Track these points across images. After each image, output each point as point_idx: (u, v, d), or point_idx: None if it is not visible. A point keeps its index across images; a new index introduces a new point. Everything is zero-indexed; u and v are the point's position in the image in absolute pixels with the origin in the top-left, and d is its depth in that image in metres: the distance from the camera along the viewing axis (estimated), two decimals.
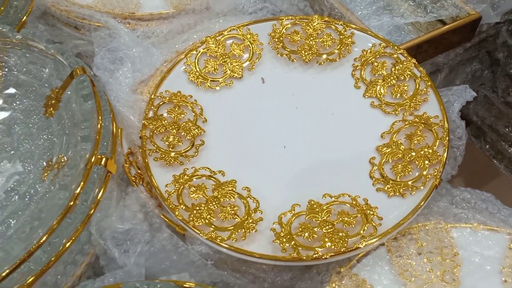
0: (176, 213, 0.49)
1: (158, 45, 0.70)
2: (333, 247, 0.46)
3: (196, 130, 0.58)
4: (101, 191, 0.45)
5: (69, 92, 0.52)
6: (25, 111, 0.53)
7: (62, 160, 0.47)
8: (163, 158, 0.55)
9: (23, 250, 0.39)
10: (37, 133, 0.51)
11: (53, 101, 0.51)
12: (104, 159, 0.45)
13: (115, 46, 0.66)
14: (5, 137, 0.51)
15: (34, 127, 0.51)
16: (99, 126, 0.46)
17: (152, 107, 0.59)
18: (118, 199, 0.49)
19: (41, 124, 0.52)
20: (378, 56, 0.62)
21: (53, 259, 0.40)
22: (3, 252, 0.38)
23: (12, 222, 0.45)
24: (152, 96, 0.60)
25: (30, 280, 0.40)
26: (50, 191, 0.45)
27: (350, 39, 0.64)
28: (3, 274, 0.39)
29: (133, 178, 0.54)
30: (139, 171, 0.55)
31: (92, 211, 0.43)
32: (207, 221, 0.49)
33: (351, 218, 0.49)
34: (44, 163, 0.48)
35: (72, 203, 0.41)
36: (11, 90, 0.55)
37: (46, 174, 0.47)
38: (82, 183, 0.42)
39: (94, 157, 0.44)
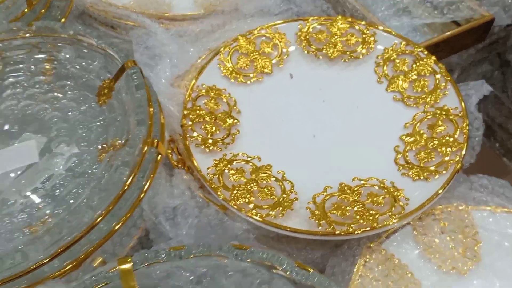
0: (218, 193, 0.54)
1: (191, 43, 0.75)
2: (364, 223, 0.51)
3: (232, 120, 0.63)
4: (154, 170, 0.49)
5: (118, 83, 0.56)
6: (77, 100, 0.58)
7: (117, 143, 0.51)
8: (203, 145, 0.59)
9: (91, 219, 0.43)
10: (90, 120, 0.55)
11: (106, 91, 0.55)
12: (156, 142, 0.50)
13: (152, 44, 0.71)
14: (62, 123, 0.56)
15: (87, 114, 0.56)
16: (151, 112, 0.51)
17: (190, 99, 0.63)
18: (166, 179, 0.53)
19: (93, 112, 0.56)
20: (399, 53, 0.67)
21: (116, 228, 0.44)
22: (75, 219, 0.43)
23: (71, 199, 0.50)
24: (190, 89, 0.64)
25: (92, 247, 0.45)
26: (108, 169, 0.49)
27: (372, 38, 0.69)
28: (69, 243, 0.43)
29: (175, 163, 0.58)
30: (180, 156, 0.60)
31: (147, 187, 0.48)
32: (247, 200, 0.53)
33: (380, 198, 0.53)
34: (99, 146, 0.53)
35: (131, 179, 0.46)
36: (63, 82, 0.60)
37: (102, 156, 0.52)
38: (140, 162, 0.47)
39: (148, 139, 0.49)
